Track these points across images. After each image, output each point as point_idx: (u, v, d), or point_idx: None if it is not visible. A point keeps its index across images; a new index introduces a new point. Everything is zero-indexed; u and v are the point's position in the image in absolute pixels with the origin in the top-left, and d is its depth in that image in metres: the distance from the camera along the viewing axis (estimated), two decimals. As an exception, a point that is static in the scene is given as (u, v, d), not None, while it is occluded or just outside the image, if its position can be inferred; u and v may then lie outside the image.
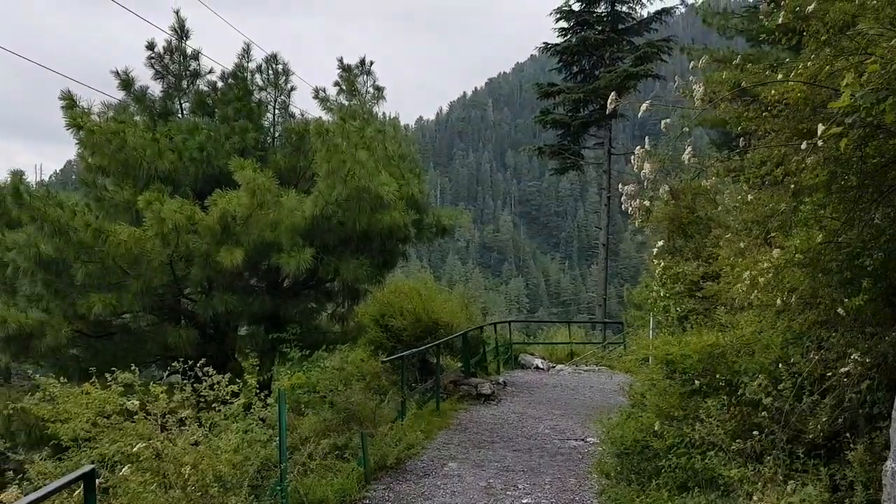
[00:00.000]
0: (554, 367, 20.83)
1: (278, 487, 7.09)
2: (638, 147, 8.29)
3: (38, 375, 11.86)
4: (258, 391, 8.30)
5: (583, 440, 11.57)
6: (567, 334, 26.46)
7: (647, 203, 10.04)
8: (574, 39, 29.96)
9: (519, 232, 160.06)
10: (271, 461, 7.53)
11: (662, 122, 6.62)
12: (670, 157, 8.45)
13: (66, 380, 8.00)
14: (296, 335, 12.64)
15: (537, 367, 20.46)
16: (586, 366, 21.41)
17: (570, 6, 30.24)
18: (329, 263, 12.51)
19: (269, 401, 7.99)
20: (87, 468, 4.04)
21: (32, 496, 3.54)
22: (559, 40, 30.56)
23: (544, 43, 30.83)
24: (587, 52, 30.12)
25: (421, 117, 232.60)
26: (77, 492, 5.82)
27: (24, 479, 6.74)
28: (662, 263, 10.92)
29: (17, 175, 11.30)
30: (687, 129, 6.50)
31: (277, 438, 7.26)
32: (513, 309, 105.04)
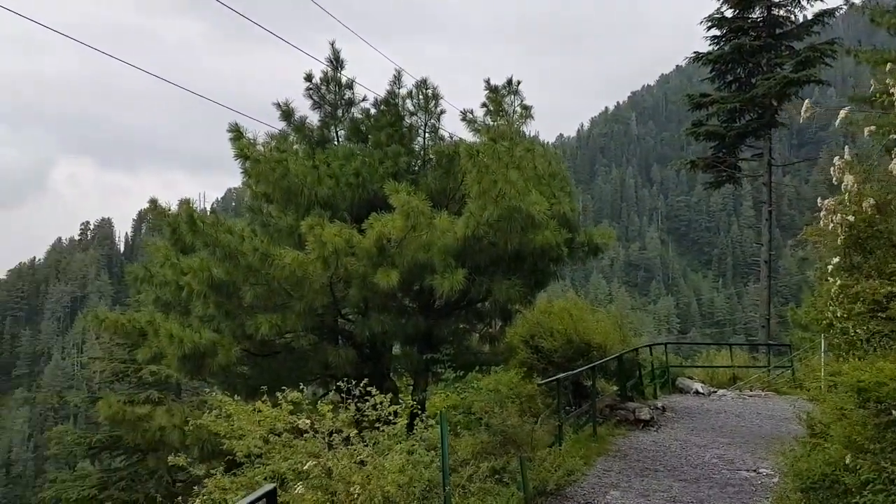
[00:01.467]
0: (715, 391, 19.71)
1: (441, 510, 7.03)
2: (837, 158, 7.62)
3: (206, 391, 12.58)
4: (418, 411, 8.32)
5: (755, 471, 10.76)
6: (728, 357, 25.00)
7: (850, 218, 9.20)
8: (727, 47, 28.61)
9: (667, 249, 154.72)
10: (432, 483, 7.49)
11: (865, 129, 6.02)
12: (874, 166, 7.70)
13: (234, 396, 8.40)
14: (449, 356, 12.68)
15: (697, 392, 19.42)
16: (751, 391, 20.11)
17: (722, 13, 28.98)
18: (481, 284, 12.47)
19: (431, 422, 7.98)
20: (269, 487, 4.13)
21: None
22: (711, 48, 29.31)
23: (695, 53, 29.68)
24: (742, 59, 28.67)
25: (561, 134, 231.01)
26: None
27: (203, 492, 7.06)
28: (839, 281, 10.03)
29: (188, 203, 12.12)
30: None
31: (439, 460, 7.22)
32: (662, 329, 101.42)
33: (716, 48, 29.12)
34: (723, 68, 29.27)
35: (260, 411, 7.73)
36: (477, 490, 8.26)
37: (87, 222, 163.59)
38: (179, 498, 7.20)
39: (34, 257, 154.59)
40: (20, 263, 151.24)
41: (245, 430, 7.28)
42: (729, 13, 28.92)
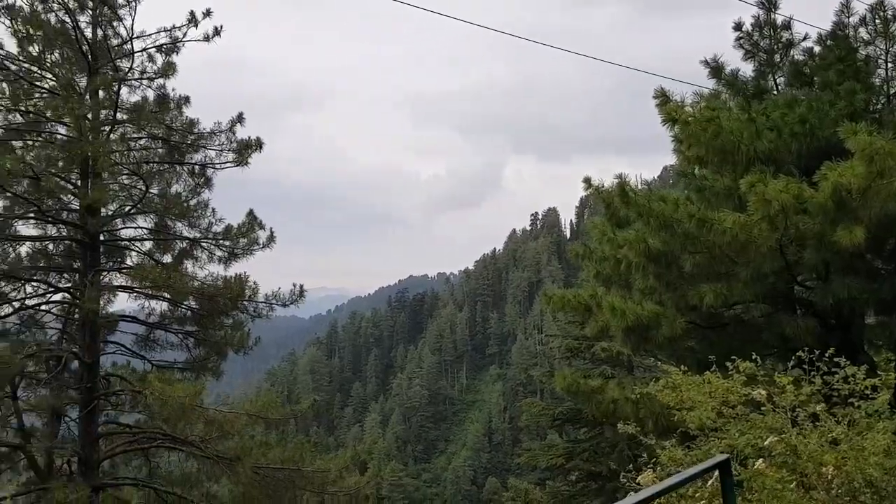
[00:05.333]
0: None
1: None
2: None
3: (659, 365, 12.38)
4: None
5: None
6: None
7: None
8: None
9: None
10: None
11: None
12: None
13: (681, 368, 8.02)
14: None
15: None
16: None
17: None
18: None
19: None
20: (722, 457, 3.74)
21: (675, 478, 3.37)
22: None
23: None
24: None
25: None
26: (710, 482, 5.61)
27: (655, 463, 6.87)
28: None
29: (622, 178, 12.07)
30: None
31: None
32: None
33: None
34: None
35: (710, 383, 7.24)
36: None
37: (536, 213, 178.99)
38: (631, 466, 7.12)
39: (494, 248, 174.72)
40: (484, 255, 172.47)
41: (695, 402, 6.88)
42: None
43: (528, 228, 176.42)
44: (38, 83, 13.31)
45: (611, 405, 14.47)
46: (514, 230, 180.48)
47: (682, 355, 12.40)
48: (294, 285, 14.73)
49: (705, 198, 12.32)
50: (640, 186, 12.25)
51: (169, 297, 13.96)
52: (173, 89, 14.64)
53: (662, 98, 11.97)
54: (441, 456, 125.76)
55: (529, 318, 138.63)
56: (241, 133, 14.80)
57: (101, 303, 13.12)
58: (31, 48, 13.17)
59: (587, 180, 13.16)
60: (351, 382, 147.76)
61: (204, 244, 14.53)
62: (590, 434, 23.08)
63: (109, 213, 13.86)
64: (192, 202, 14.65)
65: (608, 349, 20.74)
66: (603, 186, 12.81)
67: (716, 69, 13.63)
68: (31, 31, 12.70)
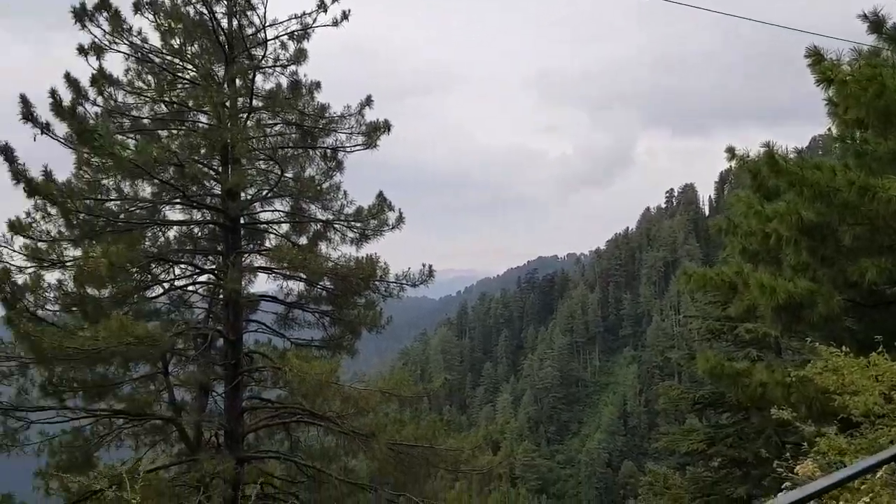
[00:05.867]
0: None
1: None
2: None
3: (809, 344, 11.43)
4: None
5: None
6: None
7: None
8: None
9: None
10: None
11: None
12: None
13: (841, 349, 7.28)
14: None
15: None
16: None
17: None
18: None
19: None
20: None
21: (848, 470, 2.95)
22: None
23: None
24: None
25: None
26: (879, 473, 5.01)
27: (815, 452, 6.25)
28: None
29: (768, 145, 11.15)
30: None
31: None
32: None
33: None
34: None
35: (875, 365, 6.51)
36: None
37: (672, 189, 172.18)
38: (788, 454, 6.52)
39: (627, 227, 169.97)
40: (615, 234, 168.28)
41: (859, 386, 6.19)
42: None
43: (663, 206, 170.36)
44: (179, 74, 13.98)
45: (758, 389, 13.55)
46: (647, 208, 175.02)
47: (838, 336, 11.36)
48: (423, 265, 14.78)
49: (866, 164, 11.19)
50: (789, 155, 11.26)
51: (305, 277, 14.37)
52: (304, 75, 15.00)
53: (815, 57, 10.94)
54: (574, 438, 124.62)
55: (665, 299, 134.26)
56: (370, 116, 14.95)
57: (243, 283, 13.66)
58: (172, 41, 13.83)
59: (730, 150, 12.35)
60: (482, 363, 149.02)
61: (336, 226, 14.84)
62: (733, 419, 21.88)
63: (248, 197, 14.40)
64: (325, 185, 14.98)
65: (754, 330, 19.47)
66: (748, 156, 11.96)
67: (876, 23, 12.32)
68: (173, 25, 13.33)
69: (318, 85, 15.20)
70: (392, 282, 14.61)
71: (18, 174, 11.73)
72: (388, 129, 15.00)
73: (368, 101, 15.02)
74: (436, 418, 22.23)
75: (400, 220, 14.96)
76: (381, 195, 15.13)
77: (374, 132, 14.89)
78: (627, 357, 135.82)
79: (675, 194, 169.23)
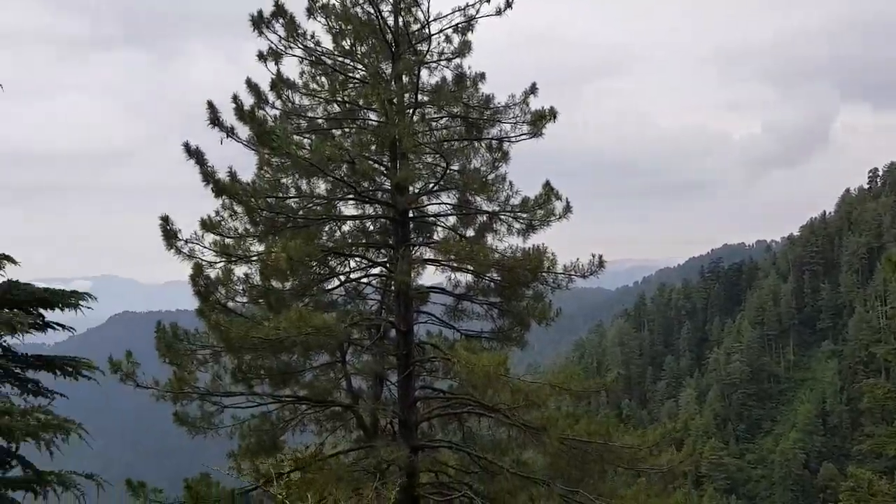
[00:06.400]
0: None
1: None
2: None
3: None
4: None
5: None
6: None
7: None
8: None
9: None
10: None
11: None
12: None
13: None
14: None
15: None
16: None
17: None
18: None
19: None
20: None
21: None
22: None
23: None
24: None
25: None
26: None
27: None
28: None
29: None
30: None
31: None
32: None
33: None
34: None
35: None
36: None
37: (875, 169, 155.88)
38: None
39: (824, 211, 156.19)
40: (811, 219, 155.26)
41: None
42: None
43: (866, 187, 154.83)
44: (350, 74, 14.47)
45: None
46: (847, 190, 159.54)
47: None
48: (593, 256, 14.30)
49: None
50: None
51: (472, 269, 14.39)
52: (469, 67, 15.00)
53: None
54: (767, 436, 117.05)
55: (870, 288, 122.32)
56: (535, 104, 14.69)
57: (412, 275, 13.92)
58: (343, 42, 14.34)
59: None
60: (662, 356, 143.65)
61: (502, 217, 14.73)
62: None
63: (416, 190, 14.65)
64: (491, 176, 14.91)
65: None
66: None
67: None
68: (343, 26, 13.82)
69: (482, 76, 15.17)
70: (560, 273, 14.27)
71: (208, 176, 12.70)
72: (554, 117, 14.65)
73: (533, 89, 14.77)
74: (610, 414, 21.60)
75: (567, 209, 14.57)
76: (547, 184, 14.81)
77: (539, 120, 14.60)
78: (826, 351, 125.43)
79: (880, 174, 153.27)
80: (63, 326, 12.18)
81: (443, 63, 14.88)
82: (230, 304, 13.58)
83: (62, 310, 11.67)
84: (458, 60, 14.97)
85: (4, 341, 11.33)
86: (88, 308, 12.01)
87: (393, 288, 14.44)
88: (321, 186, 14.21)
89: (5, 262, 11.27)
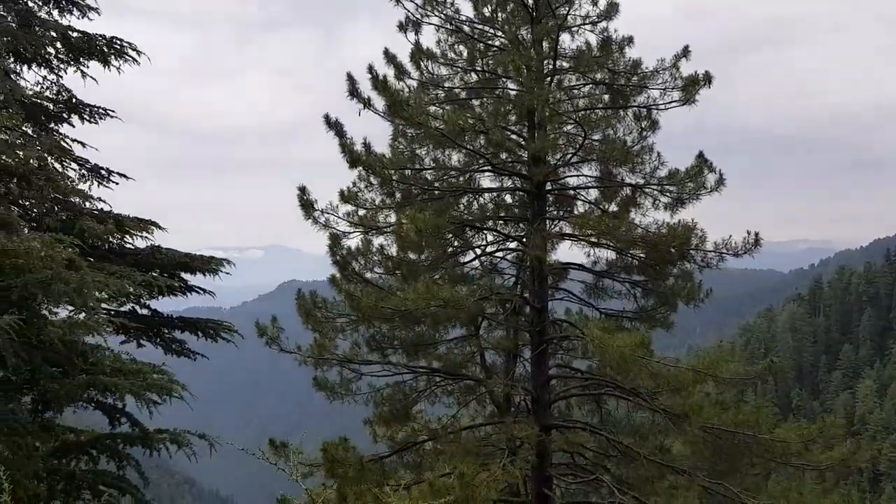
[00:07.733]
0: None
1: None
2: None
3: None
4: None
5: None
6: None
7: None
8: None
9: None
10: None
11: None
12: None
13: None
14: None
15: None
16: None
17: None
18: None
19: None
20: None
21: None
22: None
23: None
24: None
25: None
26: None
27: None
28: None
29: None
30: None
31: None
32: None
33: None
34: None
35: None
36: None
37: None
38: None
39: None
40: None
41: None
42: None
43: None
44: (489, 42, 14.08)
45: None
46: None
47: None
48: (748, 233, 13.12)
49: None
50: None
51: (612, 245, 13.67)
52: (615, 30, 14.15)
53: None
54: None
55: None
56: (687, 69, 13.60)
57: (548, 250, 13.43)
58: (484, 9, 13.97)
59: None
60: (839, 344, 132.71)
61: (647, 190, 13.84)
62: None
63: (555, 162, 14.06)
64: (636, 147, 14.03)
65: None
66: None
67: None
68: (484, -9, 13.48)
69: (630, 40, 14.25)
70: (710, 251, 13.24)
71: (346, 147, 12.85)
72: (710, 82, 13.48)
73: (685, 52, 13.65)
74: (762, 404, 20.06)
75: (720, 182, 13.44)
76: (700, 155, 13.74)
77: (691, 86, 13.49)
78: None
79: None
80: (204, 290, 12.85)
81: (587, 27, 14.13)
82: (368, 274, 13.78)
83: (204, 275, 12.29)
84: (604, 24, 14.15)
85: (147, 302, 12.04)
86: (227, 273, 12.57)
87: (528, 263, 14.02)
88: (454, 158, 13.99)
89: (153, 227, 12.00)
